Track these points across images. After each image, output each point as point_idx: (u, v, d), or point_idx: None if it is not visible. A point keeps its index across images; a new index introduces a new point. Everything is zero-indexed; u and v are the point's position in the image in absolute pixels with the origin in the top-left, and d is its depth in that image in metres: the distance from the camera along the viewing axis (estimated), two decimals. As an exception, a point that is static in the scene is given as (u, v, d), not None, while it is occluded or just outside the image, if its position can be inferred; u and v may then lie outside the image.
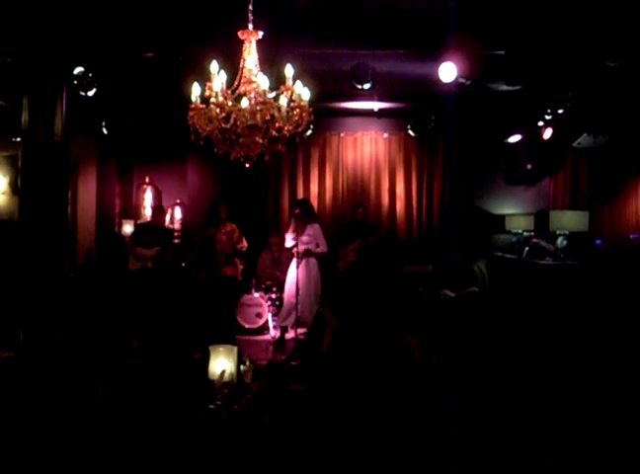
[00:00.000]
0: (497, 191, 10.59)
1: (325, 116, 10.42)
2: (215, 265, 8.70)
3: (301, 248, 8.64)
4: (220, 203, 8.92)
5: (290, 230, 8.88)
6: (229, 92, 5.25)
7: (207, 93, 5.19)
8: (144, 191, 10.69)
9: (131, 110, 9.57)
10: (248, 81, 5.28)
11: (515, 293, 8.61)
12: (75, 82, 7.24)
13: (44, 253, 5.72)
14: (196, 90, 5.25)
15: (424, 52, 7.40)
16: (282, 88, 5.34)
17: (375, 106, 9.90)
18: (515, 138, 10.03)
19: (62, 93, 5.74)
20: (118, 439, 4.10)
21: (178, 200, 10.73)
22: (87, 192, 10.61)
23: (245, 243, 8.89)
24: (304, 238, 8.83)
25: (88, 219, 10.60)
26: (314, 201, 10.64)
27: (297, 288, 8.37)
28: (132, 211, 10.76)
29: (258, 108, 5.19)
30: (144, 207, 10.64)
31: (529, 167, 10.13)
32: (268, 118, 5.29)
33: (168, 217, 10.68)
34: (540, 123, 9.33)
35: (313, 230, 8.93)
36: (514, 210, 10.42)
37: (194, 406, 4.75)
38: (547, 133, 9.41)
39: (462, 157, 10.47)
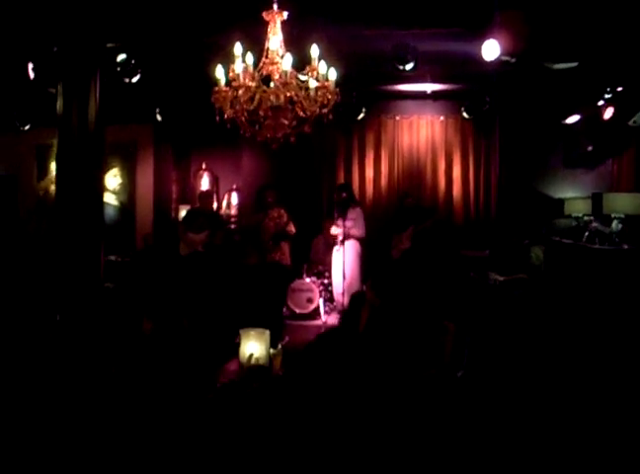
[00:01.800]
0: (556, 174, 10.25)
1: (380, 99, 10.34)
2: (263, 249, 8.71)
3: (343, 233, 8.64)
4: (268, 188, 8.92)
5: (335, 218, 8.83)
6: (254, 73, 5.22)
7: (230, 74, 5.17)
8: (201, 177, 10.79)
9: (184, 96, 9.64)
10: (271, 62, 5.24)
11: (568, 279, 8.33)
12: (118, 69, 7.33)
13: (80, 240, 5.79)
14: (219, 72, 5.24)
15: (469, 30, 7.17)
16: (308, 68, 5.28)
17: (429, 88, 9.70)
18: (573, 119, 9.67)
19: (96, 79, 5.77)
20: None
21: (234, 186, 10.79)
22: (145, 178, 10.78)
23: (293, 228, 8.86)
24: (348, 223, 8.78)
25: (146, 205, 10.77)
26: (369, 186, 10.57)
27: (344, 273, 8.34)
28: (190, 197, 10.87)
29: (282, 88, 5.14)
30: (202, 194, 10.73)
31: (590, 149, 9.78)
32: (294, 98, 5.25)
33: (225, 203, 10.77)
34: (600, 103, 8.97)
35: (356, 214, 8.85)
36: (573, 194, 10.05)
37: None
38: (608, 113, 9.04)
39: (520, 139, 10.17)
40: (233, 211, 10.73)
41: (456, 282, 8.73)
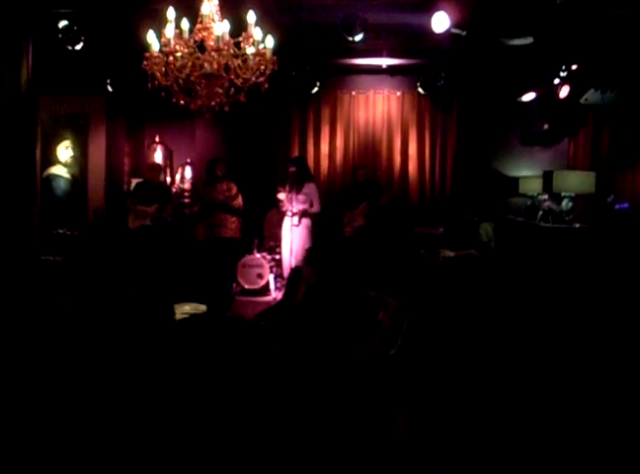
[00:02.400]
0: (513, 152, 10.21)
1: (336, 73, 10.21)
2: (210, 224, 8.58)
3: (298, 208, 8.49)
4: (217, 162, 8.77)
5: (286, 190, 8.70)
6: (188, 39, 5.07)
7: (162, 40, 5.02)
8: (154, 150, 10.60)
9: (134, 67, 9.43)
10: (204, 27, 5.09)
11: (516, 256, 8.31)
12: (60, 36, 7.15)
13: (13, 210, 5.64)
14: (151, 37, 5.09)
15: (418, 1, 7.07)
16: (244, 35, 5.14)
17: (384, 62, 9.59)
18: (529, 97, 9.62)
19: (28, 45, 5.62)
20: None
21: (188, 160, 10.62)
22: (97, 151, 10.59)
23: (240, 201, 8.70)
24: (300, 197, 8.67)
25: (98, 178, 10.58)
26: (324, 161, 10.46)
27: (291, 250, 8.26)
28: (142, 171, 10.68)
29: (215, 55, 5.00)
30: (154, 167, 10.55)
31: (546, 127, 9.72)
32: (229, 65, 5.10)
33: (178, 177, 10.60)
34: (556, 81, 8.90)
35: (309, 189, 8.73)
36: (530, 172, 10.02)
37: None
38: (564, 91, 8.98)
39: (477, 117, 10.10)
40: (187, 185, 10.56)
41: (405, 260, 8.69)
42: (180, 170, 10.62)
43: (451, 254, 8.36)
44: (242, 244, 8.96)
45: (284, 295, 6.62)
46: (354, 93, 10.37)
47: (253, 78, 5.16)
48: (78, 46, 7.33)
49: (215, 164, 8.70)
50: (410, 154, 10.28)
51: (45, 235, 9.79)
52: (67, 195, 10.66)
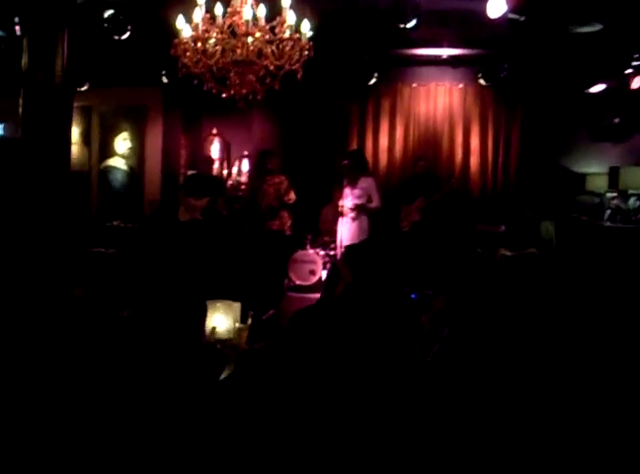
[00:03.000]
0: (580, 147, 9.68)
1: (395, 65, 9.90)
2: (260, 218, 8.39)
3: (352, 203, 8.24)
4: (268, 154, 8.57)
5: (343, 185, 8.48)
6: (222, 24, 4.87)
7: (192, 25, 4.83)
8: (211, 142, 10.47)
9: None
10: (235, 12, 4.87)
11: (579, 257, 7.85)
12: (106, 25, 7.05)
13: (48, 200, 5.54)
14: (180, 22, 4.90)
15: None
16: (277, 19, 4.91)
17: (445, 52, 9.22)
18: (598, 88, 9.09)
19: (64, 34, 5.50)
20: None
21: (245, 153, 10.46)
22: (154, 142, 10.52)
23: (293, 195, 8.49)
24: (356, 192, 8.42)
25: (154, 170, 10.52)
26: (383, 156, 10.17)
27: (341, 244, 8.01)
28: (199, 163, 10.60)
29: (245, 40, 4.78)
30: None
31: (617, 121, 9.19)
32: (263, 51, 4.88)
33: (235, 170, 10.46)
34: (628, 71, 8.39)
35: (367, 184, 8.47)
36: (598, 169, 9.48)
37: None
38: (636, 82, 8.47)
39: (542, 110, 9.61)
40: (243, 178, 10.39)
41: (460, 258, 8.34)
42: (237, 163, 10.48)
43: (509, 253, 7.96)
44: (294, 239, 8.75)
45: (322, 294, 6.36)
46: (414, 85, 10.03)
47: (287, 65, 4.90)
48: (124, 36, 7.22)
49: (266, 157, 8.52)
50: (472, 148, 9.89)
51: (99, 227, 9.82)
52: (124, 187, 10.67)
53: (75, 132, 10.81)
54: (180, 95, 10.30)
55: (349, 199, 8.51)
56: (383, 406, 4.21)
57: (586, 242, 8.01)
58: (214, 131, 10.51)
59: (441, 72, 9.93)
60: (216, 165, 10.41)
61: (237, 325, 5.12)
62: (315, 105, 9.98)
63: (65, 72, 5.43)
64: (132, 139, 10.60)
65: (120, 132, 10.60)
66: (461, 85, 9.87)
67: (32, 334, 4.34)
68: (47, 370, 3.99)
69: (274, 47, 4.93)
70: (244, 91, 5.01)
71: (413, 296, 8.27)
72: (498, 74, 8.97)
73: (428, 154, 9.92)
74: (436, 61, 9.65)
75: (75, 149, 10.81)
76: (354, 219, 8.48)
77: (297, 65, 5.00)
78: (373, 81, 9.32)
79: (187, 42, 4.83)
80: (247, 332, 5.09)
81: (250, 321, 5.28)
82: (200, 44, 4.75)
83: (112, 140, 10.67)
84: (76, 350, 4.20)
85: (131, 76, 10.14)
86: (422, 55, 9.46)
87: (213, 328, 5.09)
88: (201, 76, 5.00)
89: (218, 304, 5.30)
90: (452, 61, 9.62)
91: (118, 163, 10.64)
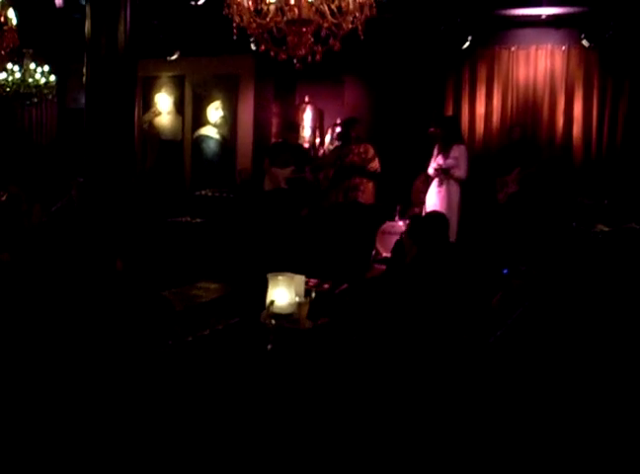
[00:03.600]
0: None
1: (493, 28, 9.36)
2: (347, 187, 8.14)
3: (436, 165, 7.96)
4: (351, 122, 8.31)
5: (434, 154, 8.16)
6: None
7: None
8: (304, 110, 10.33)
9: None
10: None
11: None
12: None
13: (110, 169, 5.49)
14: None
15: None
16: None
17: (544, 12, 8.64)
18: None
19: (126, 2, 5.40)
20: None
21: (338, 120, 10.23)
22: (246, 111, 10.49)
23: (377, 165, 8.20)
24: (449, 161, 8.07)
25: (246, 139, 10.50)
26: (479, 124, 9.70)
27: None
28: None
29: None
30: (303, 127, 10.28)
31: None
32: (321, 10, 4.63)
33: (328, 138, 10.27)
34: None
35: (458, 152, 8.10)
36: None
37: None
38: None
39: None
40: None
41: (551, 232, 7.88)
42: (330, 131, 10.29)
43: (606, 229, 7.44)
44: (381, 210, 8.49)
45: (387, 268, 6.09)
46: (513, 48, 9.44)
47: (348, 25, 4.63)
48: (201, 1, 7.11)
49: (350, 124, 8.26)
50: (575, 116, 9.24)
51: (190, 196, 9.85)
52: (216, 156, 10.68)
53: (169, 102, 10.89)
54: (272, 63, 10.14)
55: (435, 170, 8.23)
56: (435, 385, 3.95)
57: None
58: (307, 99, 10.33)
59: (542, 34, 9.30)
60: (309, 133, 10.26)
61: (297, 299, 4.92)
62: (409, 71, 9.60)
63: (128, 38, 5.34)
64: (224, 108, 10.58)
65: (212, 101, 10.58)
66: (564, 48, 9.21)
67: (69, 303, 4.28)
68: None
69: (332, 5, 4.66)
70: (302, 52, 4.77)
71: (505, 271, 7.88)
72: (603, 34, 8.35)
73: (527, 122, 9.37)
74: (535, 22, 9.06)
75: (169, 118, 10.90)
76: (441, 189, 8.16)
77: (359, 24, 4.70)
78: (467, 45, 8.89)
79: (241, 2, 4.62)
80: (307, 306, 4.89)
81: (314, 295, 5.09)
82: (251, 3, 4.53)
83: (204, 109, 10.68)
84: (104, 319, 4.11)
85: (224, 45, 10.05)
86: (520, 15, 8.90)
87: (272, 301, 4.92)
88: (258, 37, 4.79)
89: (280, 277, 5.13)
90: (554, 21, 9.01)
91: (210, 132, 10.66)
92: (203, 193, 9.54)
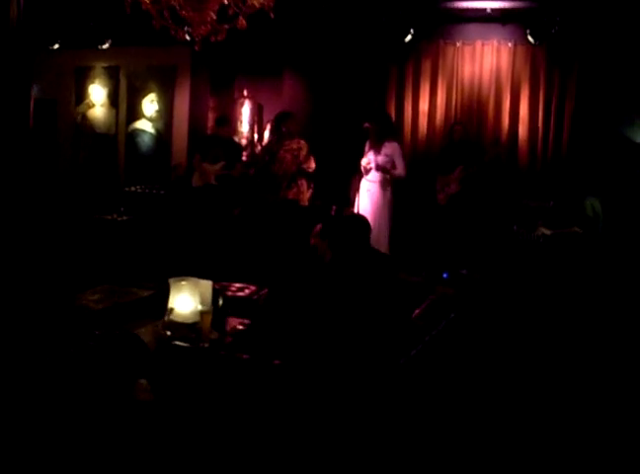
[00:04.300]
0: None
1: (438, 21, 9.03)
2: (278, 186, 7.72)
3: (371, 166, 7.61)
4: (284, 116, 7.89)
5: (365, 150, 7.80)
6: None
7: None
8: (242, 104, 9.86)
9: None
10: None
11: (628, 240, 6.95)
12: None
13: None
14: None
15: None
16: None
17: (488, 5, 8.30)
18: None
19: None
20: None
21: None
22: (182, 105, 10.03)
23: (312, 163, 7.78)
24: (380, 158, 7.74)
25: (181, 134, 10.05)
26: (423, 120, 9.35)
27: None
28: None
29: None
30: (241, 122, 9.83)
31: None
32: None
33: (267, 134, 9.84)
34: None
35: (392, 149, 7.77)
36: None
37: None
38: None
39: (601, 72, 8.53)
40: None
41: (491, 235, 7.57)
42: (268, 126, 9.86)
43: (548, 232, 7.13)
44: (315, 210, 8.08)
45: (295, 273, 5.67)
46: (458, 44, 9.08)
47: (253, 2, 4.24)
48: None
49: (282, 119, 7.83)
50: (521, 115, 8.91)
51: (120, 193, 9.40)
52: (151, 150, 10.24)
53: (102, 93, 10.41)
54: (209, 55, 9.73)
55: (368, 160, 7.92)
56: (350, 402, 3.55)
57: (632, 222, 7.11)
58: (245, 94, 9.89)
59: (489, 30, 8.97)
60: (247, 128, 9.84)
61: (199, 307, 4.48)
62: (350, 65, 9.22)
63: (20, 18, 4.88)
64: (160, 101, 10.12)
65: (147, 94, 10.13)
66: (510, 44, 8.88)
67: None
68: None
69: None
70: (202, 31, 4.37)
71: (445, 276, 7.54)
72: (549, 30, 8.03)
73: (472, 120, 9.06)
74: (481, 17, 8.71)
75: (102, 111, 10.42)
76: (371, 188, 7.84)
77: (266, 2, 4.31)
78: (409, 38, 8.52)
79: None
80: (211, 316, 4.45)
81: (221, 302, 4.66)
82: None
83: (139, 102, 10.21)
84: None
85: (159, 34, 9.61)
86: (465, 9, 8.54)
87: (171, 309, 4.48)
88: (154, 14, 4.37)
89: (183, 282, 4.69)
90: (500, 17, 8.68)
91: (145, 126, 10.21)
92: (133, 189, 9.08)
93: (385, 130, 7.80)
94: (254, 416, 3.26)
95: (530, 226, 7.45)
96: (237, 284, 5.97)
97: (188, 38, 4.72)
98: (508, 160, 8.90)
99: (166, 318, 4.34)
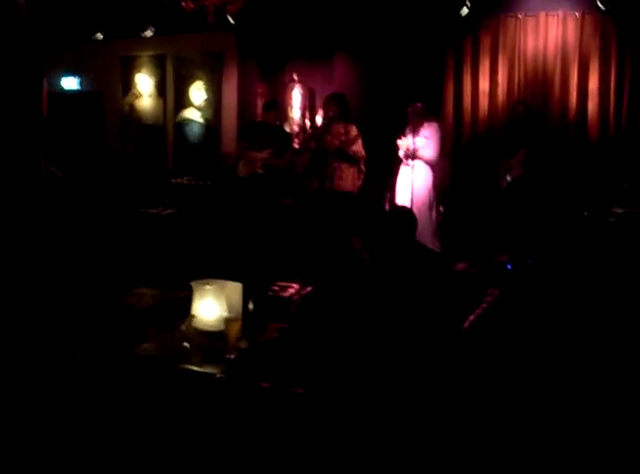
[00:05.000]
0: None
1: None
2: (324, 174, 7.25)
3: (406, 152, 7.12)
4: (331, 99, 7.42)
5: (406, 132, 7.33)
6: None
7: None
8: (291, 89, 9.45)
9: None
10: None
11: None
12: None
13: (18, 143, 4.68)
14: None
15: None
16: None
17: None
18: None
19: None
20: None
21: (328, 101, 9.38)
22: (230, 92, 9.69)
23: (360, 147, 7.29)
24: (419, 141, 7.23)
25: (231, 122, 9.72)
26: (483, 101, 8.76)
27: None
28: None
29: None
30: (292, 108, 9.41)
31: None
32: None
33: (319, 119, 9.40)
34: None
35: (431, 130, 7.26)
36: None
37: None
38: None
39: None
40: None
41: (559, 222, 7.00)
42: (320, 111, 9.42)
43: (620, 210, 6.54)
44: (364, 199, 7.62)
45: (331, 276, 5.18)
46: (520, 16, 8.43)
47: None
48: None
49: (330, 102, 7.37)
50: (590, 90, 8.22)
51: (164, 185, 9.14)
52: (200, 140, 9.93)
53: (149, 83, 10.15)
54: (255, 40, 9.36)
55: (405, 144, 7.44)
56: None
57: None
58: (295, 78, 9.47)
59: (553, -1, 8.33)
60: (298, 114, 9.41)
61: (225, 314, 4.05)
62: (404, 45, 8.69)
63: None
64: (208, 89, 9.81)
65: (193, 81, 9.81)
66: (577, 14, 8.20)
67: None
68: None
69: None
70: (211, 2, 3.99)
71: (509, 266, 6.97)
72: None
73: (537, 98, 8.44)
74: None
75: (150, 101, 10.17)
76: (408, 172, 7.34)
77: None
78: (466, 12, 7.97)
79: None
80: (239, 323, 4.01)
81: (251, 306, 4.21)
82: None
83: (187, 91, 9.91)
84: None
85: (203, 19, 9.30)
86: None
87: (192, 316, 4.04)
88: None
89: (207, 286, 4.26)
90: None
91: (194, 115, 9.90)
92: (180, 180, 8.77)
93: (427, 110, 7.31)
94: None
95: (604, 209, 6.87)
96: (281, 283, 5.55)
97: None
98: (576, 139, 8.24)
99: (183, 327, 3.91)
